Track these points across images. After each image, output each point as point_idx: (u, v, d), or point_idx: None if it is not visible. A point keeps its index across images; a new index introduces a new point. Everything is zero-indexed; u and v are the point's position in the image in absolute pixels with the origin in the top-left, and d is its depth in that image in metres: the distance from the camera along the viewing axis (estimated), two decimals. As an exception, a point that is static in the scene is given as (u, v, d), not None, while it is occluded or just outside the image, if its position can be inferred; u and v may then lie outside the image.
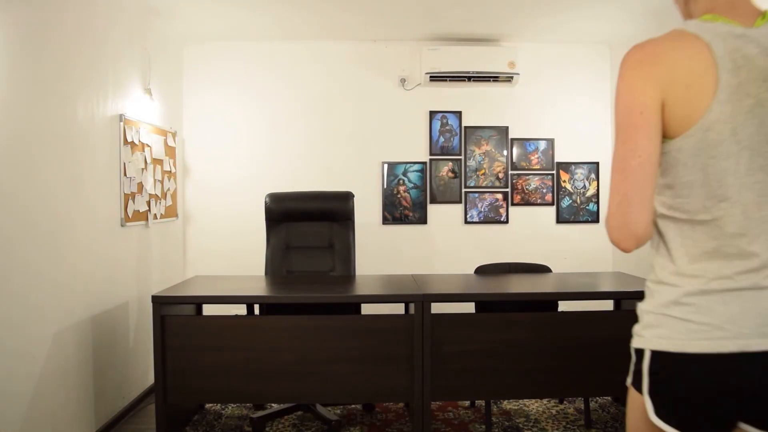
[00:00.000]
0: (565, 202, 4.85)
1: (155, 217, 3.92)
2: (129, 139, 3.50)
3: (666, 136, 1.19)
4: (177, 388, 2.83)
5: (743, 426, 1.16)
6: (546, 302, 3.23)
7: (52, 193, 2.73)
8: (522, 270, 3.70)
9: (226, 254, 4.64)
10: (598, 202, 4.85)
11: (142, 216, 3.72)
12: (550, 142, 4.83)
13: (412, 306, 2.91)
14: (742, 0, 1.26)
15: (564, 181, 4.84)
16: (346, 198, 3.69)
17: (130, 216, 3.53)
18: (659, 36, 1.33)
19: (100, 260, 3.21)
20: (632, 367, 1.26)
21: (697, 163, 1.16)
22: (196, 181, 4.69)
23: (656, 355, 1.19)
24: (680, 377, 1.16)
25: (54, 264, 2.75)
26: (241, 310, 3.26)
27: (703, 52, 1.18)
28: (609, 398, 3.70)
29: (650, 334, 1.21)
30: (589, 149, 4.85)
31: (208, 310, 3.26)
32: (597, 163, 4.85)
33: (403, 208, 4.77)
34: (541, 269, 3.70)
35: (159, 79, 4.08)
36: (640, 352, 1.23)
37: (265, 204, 3.67)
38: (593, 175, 4.85)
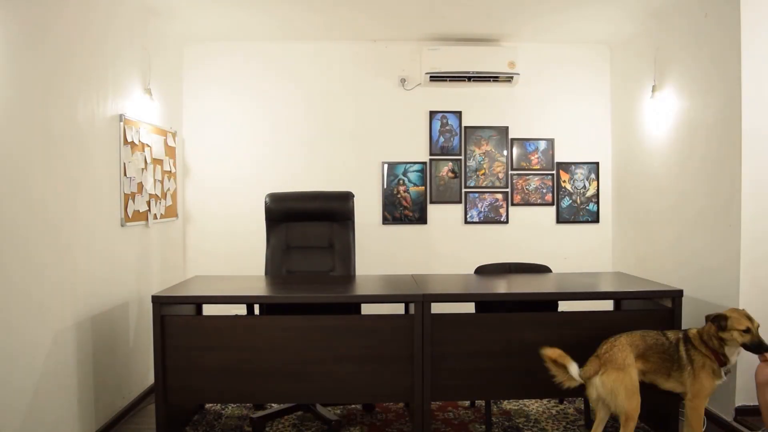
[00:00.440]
0: (565, 202, 4.85)
1: (155, 217, 3.92)
2: (129, 139, 3.50)
3: None
4: (177, 388, 2.83)
5: None
6: (546, 302, 3.23)
7: (51, 193, 2.73)
8: (522, 270, 3.71)
9: (226, 254, 4.64)
10: (598, 202, 4.85)
11: (142, 216, 3.72)
12: (550, 142, 4.83)
13: (412, 306, 2.91)
14: None
15: (564, 181, 4.84)
16: (346, 198, 3.69)
17: (130, 216, 3.53)
18: None
19: (100, 260, 3.21)
20: None
21: None
22: (196, 181, 4.69)
23: None
24: None
25: (54, 264, 2.75)
26: (241, 310, 3.26)
27: None
28: (609, 398, 3.70)
29: None
30: (589, 149, 4.85)
31: (208, 310, 3.26)
32: (597, 163, 4.85)
33: (403, 208, 4.77)
34: (541, 269, 3.70)
35: (159, 79, 4.08)
36: None
37: (265, 204, 3.67)
38: (593, 175, 4.85)
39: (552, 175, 4.84)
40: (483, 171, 4.82)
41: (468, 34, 4.52)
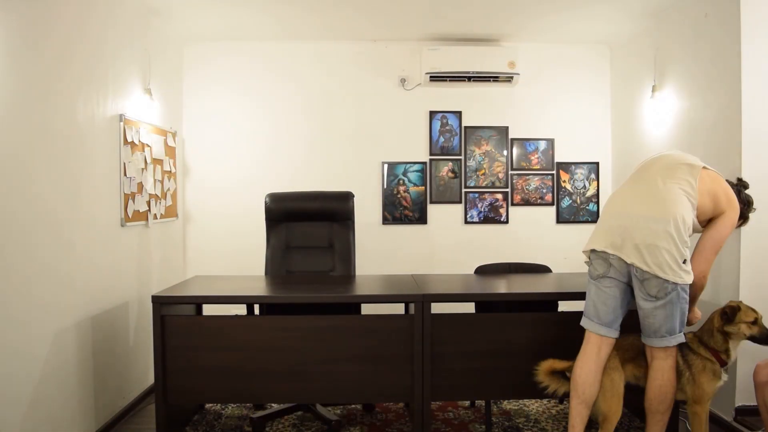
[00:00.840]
0: (565, 202, 4.85)
1: (155, 217, 3.92)
2: (129, 139, 3.50)
3: None
4: (177, 388, 2.83)
5: None
6: (546, 302, 3.23)
7: (51, 193, 2.73)
8: (522, 270, 3.70)
9: (226, 254, 4.64)
10: (597, 202, 4.85)
11: (142, 216, 3.72)
12: (550, 142, 4.83)
13: (412, 306, 2.91)
14: None
15: (564, 181, 4.84)
16: (346, 198, 3.69)
17: (130, 216, 3.53)
18: None
19: (100, 260, 3.21)
20: None
21: None
22: (196, 181, 4.69)
23: None
24: None
25: (54, 264, 2.75)
26: (241, 310, 3.26)
27: None
28: (609, 398, 3.70)
29: None
30: (589, 149, 4.86)
31: (208, 310, 3.25)
32: (597, 163, 4.85)
33: (403, 208, 4.77)
34: (541, 269, 3.70)
35: (159, 79, 4.08)
36: None
37: (265, 204, 3.67)
38: (593, 175, 4.85)
39: (552, 175, 4.84)
40: (483, 171, 4.82)
41: (468, 34, 4.52)
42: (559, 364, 2.70)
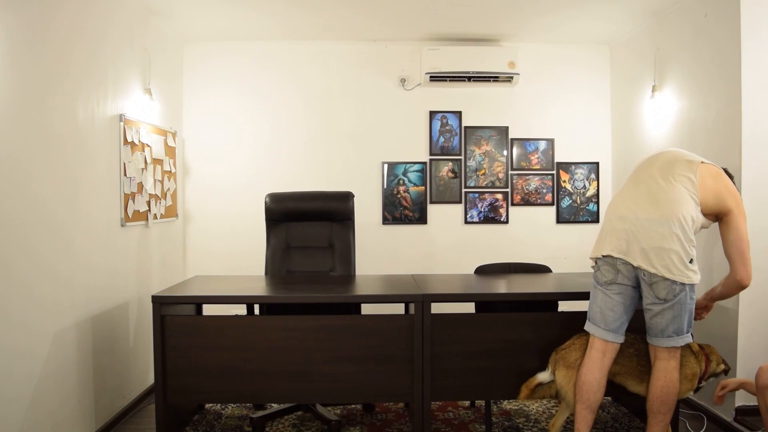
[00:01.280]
0: (565, 202, 4.85)
1: (155, 217, 3.92)
2: (129, 139, 3.50)
3: None
4: (177, 388, 2.83)
5: None
6: (546, 302, 3.23)
7: (51, 193, 2.73)
8: (522, 270, 3.70)
9: (227, 254, 4.64)
10: (598, 202, 4.85)
11: (142, 216, 3.72)
12: (550, 142, 4.83)
13: (412, 306, 2.91)
14: None
15: (564, 181, 4.84)
16: (346, 198, 3.69)
17: (130, 216, 3.53)
18: None
19: (100, 260, 3.21)
20: None
21: None
22: (196, 181, 4.69)
23: None
24: None
25: (54, 264, 2.75)
26: (241, 310, 3.26)
27: None
28: (609, 398, 3.70)
29: None
30: (589, 149, 4.86)
31: (208, 310, 3.26)
32: (597, 163, 4.85)
33: (403, 208, 4.77)
34: (541, 269, 3.70)
35: (159, 78, 4.08)
36: None
37: (265, 204, 3.66)
38: (593, 175, 4.85)
39: (552, 175, 4.84)
40: (483, 171, 4.82)
41: (468, 34, 4.52)
42: (533, 381, 2.74)
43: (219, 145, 4.69)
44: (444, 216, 4.81)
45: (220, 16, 4.07)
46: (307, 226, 3.68)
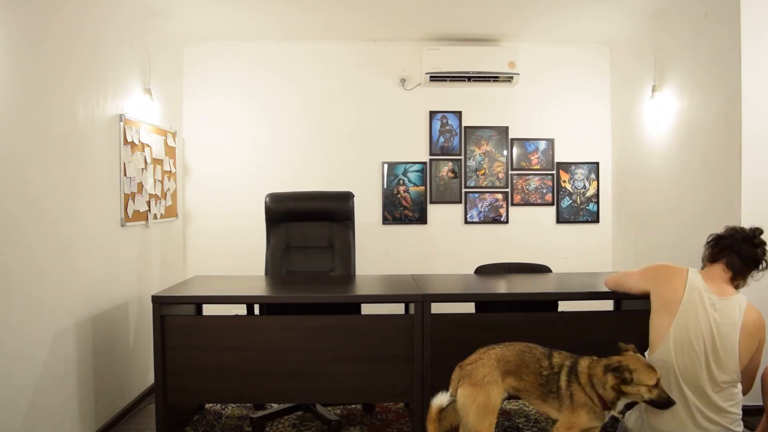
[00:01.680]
0: (565, 202, 4.85)
1: (155, 217, 3.92)
2: (129, 139, 3.50)
3: None
4: (177, 388, 2.83)
5: None
6: (546, 302, 3.22)
7: (51, 193, 2.73)
8: (522, 270, 3.70)
9: (226, 254, 4.64)
10: (598, 202, 4.85)
11: (142, 216, 3.72)
12: (550, 142, 4.83)
13: (412, 306, 2.91)
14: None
15: (564, 181, 4.84)
16: (346, 198, 3.69)
17: (130, 216, 3.53)
18: None
19: (100, 260, 3.21)
20: None
21: None
22: (196, 181, 4.69)
23: None
24: None
25: (54, 264, 2.75)
26: (241, 310, 3.26)
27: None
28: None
29: None
30: (589, 149, 4.86)
31: (208, 310, 3.25)
32: (597, 163, 4.85)
33: (403, 208, 4.77)
34: (541, 269, 3.70)
35: (159, 78, 4.08)
36: None
37: (265, 204, 3.66)
38: (593, 175, 4.85)
39: (552, 175, 4.84)
40: (483, 171, 4.82)
41: (468, 34, 4.52)
42: (433, 410, 2.36)
43: (219, 145, 4.69)
44: (444, 216, 4.81)
45: (220, 16, 4.07)
46: (307, 226, 3.67)
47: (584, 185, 4.85)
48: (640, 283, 2.53)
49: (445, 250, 4.78)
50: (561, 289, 3.21)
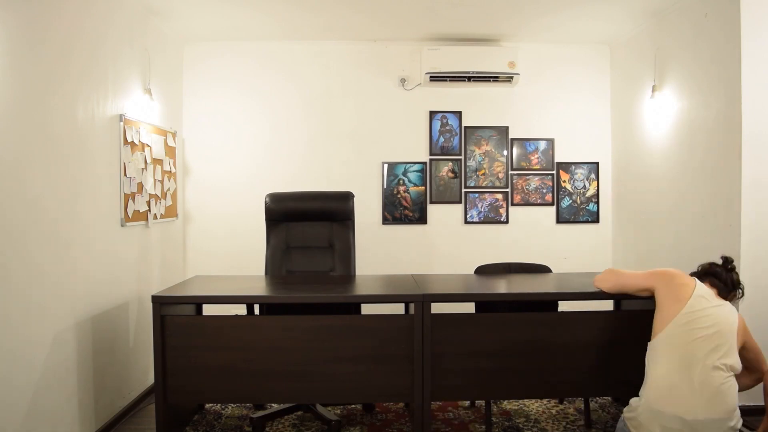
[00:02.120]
0: (565, 202, 4.85)
1: (155, 217, 3.92)
2: (129, 139, 3.50)
3: None
4: (177, 388, 2.83)
5: None
6: (546, 302, 3.23)
7: (51, 193, 2.73)
8: (522, 270, 3.70)
9: (227, 254, 4.64)
10: (598, 202, 4.85)
11: (142, 216, 3.72)
12: (550, 142, 4.83)
13: (412, 306, 2.91)
14: None
15: (564, 181, 4.84)
16: (346, 198, 3.69)
17: (130, 216, 3.53)
18: None
19: (100, 260, 3.21)
20: None
21: None
22: (196, 181, 4.69)
23: None
24: None
25: (54, 264, 2.75)
26: (241, 310, 3.26)
27: None
28: (609, 398, 3.70)
29: None
30: (589, 149, 4.86)
31: (208, 310, 3.25)
32: (597, 163, 4.85)
33: (403, 208, 4.77)
34: (541, 269, 3.70)
35: (159, 78, 4.08)
36: None
37: (265, 204, 3.66)
38: (593, 175, 4.85)
39: (552, 175, 4.84)
40: (483, 171, 4.82)
41: (468, 34, 4.52)
42: None
43: (219, 145, 4.69)
44: (444, 216, 4.81)
45: (220, 16, 4.07)
46: (307, 226, 3.67)
47: (584, 185, 4.86)
48: (644, 281, 2.70)
49: (445, 250, 4.78)
50: (561, 289, 3.21)
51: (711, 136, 3.44)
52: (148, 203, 3.80)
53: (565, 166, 4.84)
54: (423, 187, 4.78)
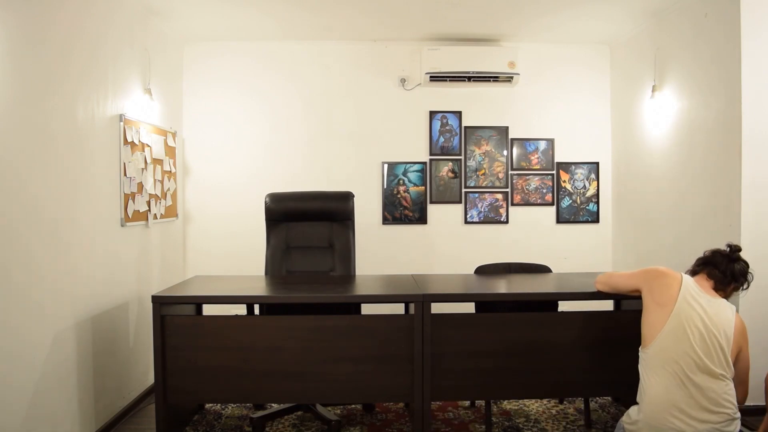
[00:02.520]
0: (565, 202, 4.85)
1: (155, 217, 3.92)
2: (129, 139, 3.50)
3: None
4: (177, 388, 2.83)
5: None
6: (546, 302, 3.23)
7: (51, 193, 2.73)
8: (522, 270, 3.70)
9: (227, 254, 4.64)
10: (598, 202, 4.85)
11: (142, 216, 3.72)
12: (550, 142, 4.83)
13: (412, 306, 2.91)
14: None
15: (564, 181, 4.84)
16: (346, 198, 3.69)
17: (130, 216, 3.53)
18: None
19: (100, 260, 3.21)
20: None
21: None
22: (196, 181, 4.69)
23: None
24: None
25: (54, 264, 2.75)
26: (241, 310, 3.26)
27: None
28: (609, 398, 3.70)
29: None
30: (589, 149, 4.86)
31: (208, 310, 3.25)
32: (597, 163, 4.85)
33: (403, 208, 4.77)
34: (541, 269, 3.70)
35: (159, 79, 4.08)
36: None
37: (265, 204, 3.66)
38: (593, 175, 4.85)
39: (552, 175, 4.84)
40: (483, 171, 4.82)
41: (468, 34, 4.52)
42: None
43: (219, 145, 4.69)
44: (444, 216, 4.81)
45: (220, 16, 4.07)
46: (307, 226, 3.67)
47: (584, 185, 4.86)
48: (631, 281, 2.62)
49: (445, 250, 4.78)
50: (561, 289, 3.21)
51: (711, 136, 3.44)
52: (148, 203, 3.80)
53: (565, 166, 4.84)
54: (423, 187, 4.78)
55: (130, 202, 3.52)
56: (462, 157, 4.80)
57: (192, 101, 4.68)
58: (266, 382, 2.85)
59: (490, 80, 4.59)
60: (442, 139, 4.80)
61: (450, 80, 4.58)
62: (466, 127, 4.80)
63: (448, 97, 4.79)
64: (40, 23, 2.65)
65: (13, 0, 2.45)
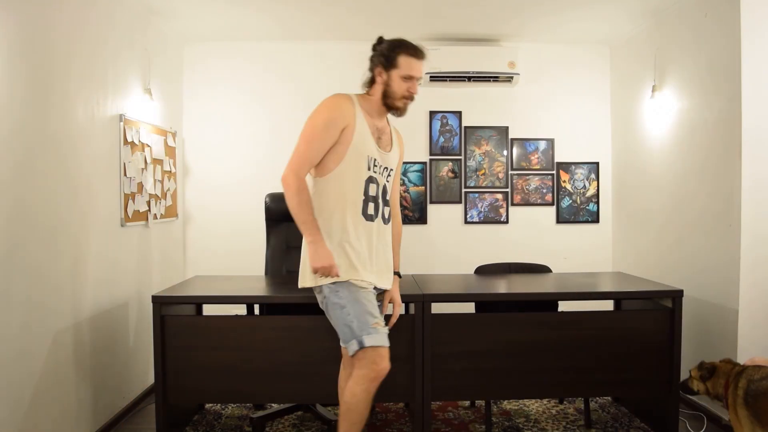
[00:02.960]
0: (565, 202, 4.85)
1: (155, 217, 3.92)
2: (129, 139, 3.50)
3: None
4: (177, 388, 2.83)
5: None
6: (546, 302, 3.23)
7: (51, 193, 2.73)
8: (522, 270, 3.70)
9: (227, 254, 4.63)
10: (598, 202, 4.85)
11: (142, 216, 3.72)
12: (550, 142, 4.83)
13: (412, 306, 2.91)
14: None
15: (564, 181, 4.84)
16: (346, 198, 3.68)
17: (130, 216, 3.53)
18: None
19: (100, 260, 3.21)
20: None
21: None
22: (196, 181, 4.69)
23: None
24: None
25: (54, 264, 2.75)
26: (241, 310, 3.26)
27: None
28: (609, 398, 3.70)
29: None
30: (589, 149, 4.85)
31: (208, 310, 3.26)
32: (597, 163, 4.85)
33: (403, 208, 4.77)
34: (541, 269, 3.70)
35: (159, 79, 4.08)
36: None
37: (265, 204, 3.66)
38: (593, 175, 4.85)
39: (552, 175, 4.84)
40: (483, 171, 4.82)
41: (468, 34, 4.51)
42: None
43: (219, 145, 4.69)
44: (444, 216, 4.81)
45: (220, 16, 4.07)
46: (307, 226, 3.66)
47: (584, 185, 4.86)
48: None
49: (445, 250, 4.78)
50: (561, 289, 3.21)
51: (711, 136, 3.44)
52: (148, 203, 3.80)
53: (565, 166, 4.84)
54: (423, 187, 4.78)
55: (130, 202, 3.52)
56: (462, 157, 4.80)
57: (192, 101, 4.68)
58: (266, 382, 2.85)
59: (490, 80, 4.59)
60: (442, 139, 4.80)
61: (450, 80, 4.58)
62: (466, 127, 4.80)
63: (448, 97, 4.79)
64: (41, 23, 2.65)
65: (13, 0, 2.45)
